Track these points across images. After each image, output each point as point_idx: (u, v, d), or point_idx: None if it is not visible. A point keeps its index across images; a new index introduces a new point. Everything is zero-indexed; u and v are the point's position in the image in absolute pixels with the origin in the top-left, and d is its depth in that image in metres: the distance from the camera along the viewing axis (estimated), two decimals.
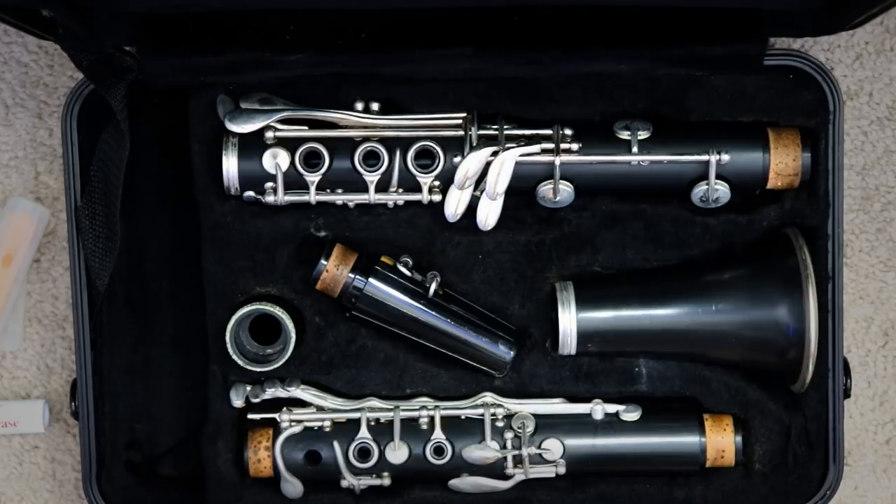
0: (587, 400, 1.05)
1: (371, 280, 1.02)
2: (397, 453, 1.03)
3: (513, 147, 1.00)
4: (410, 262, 1.04)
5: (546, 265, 1.05)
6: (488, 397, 1.05)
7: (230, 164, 1.01)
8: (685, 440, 1.05)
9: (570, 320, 1.02)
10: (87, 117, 1.03)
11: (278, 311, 1.02)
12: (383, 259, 1.03)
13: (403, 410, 1.04)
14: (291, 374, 1.05)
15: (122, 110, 1.00)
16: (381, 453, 1.04)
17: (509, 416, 1.04)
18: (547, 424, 1.04)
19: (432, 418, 1.04)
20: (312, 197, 1.01)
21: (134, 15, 0.98)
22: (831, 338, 1.04)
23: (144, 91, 1.02)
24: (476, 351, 1.04)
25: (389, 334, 1.04)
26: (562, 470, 1.04)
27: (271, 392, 1.04)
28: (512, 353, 1.04)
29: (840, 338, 1.04)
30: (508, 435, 1.04)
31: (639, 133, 1.01)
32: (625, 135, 1.01)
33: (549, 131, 1.01)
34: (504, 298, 1.05)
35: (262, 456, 1.04)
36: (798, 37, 1.06)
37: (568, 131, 1.01)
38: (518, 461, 1.03)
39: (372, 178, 1.01)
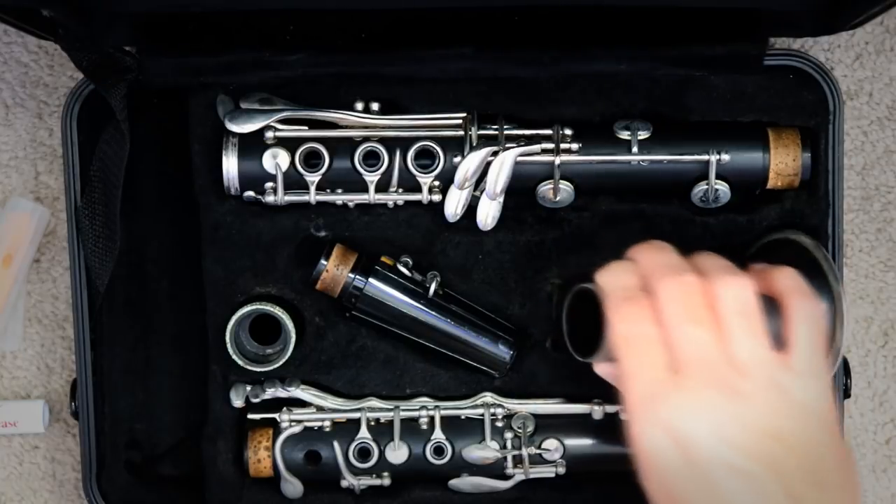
0: (587, 400, 1.05)
1: (371, 280, 1.02)
2: (397, 453, 1.03)
3: (513, 147, 1.00)
4: (410, 262, 1.03)
5: (546, 265, 1.05)
6: (488, 397, 1.05)
7: (230, 164, 1.01)
8: None
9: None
10: (87, 117, 1.03)
11: (278, 311, 1.02)
12: (383, 259, 1.03)
13: (403, 410, 1.04)
14: (291, 374, 1.05)
15: (122, 110, 1.00)
16: (381, 453, 1.04)
17: (509, 416, 1.04)
18: (547, 424, 1.04)
19: (432, 418, 1.04)
20: (312, 197, 1.01)
21: (134, 15, 0.98)
22: None
23: (144, 91, 1.02)
24: (476, 351, 1.04)
25: (389, 334, 1.04)
26: (562, 470, 1.04)
27: (271, 392, 1.04)
28: (512, 353, 1.04)
29: None
30: (508, 435, 1.04)
31: (639, 133, 1.01)
32: (625, 135, 1.01)
33: (548, 131, 1.01)
34: (504, 298, 1.05)
35: (262, 456, 1.04)
36: (798, 37, 1.06)
37: (568, 131, 1.01)
38: (518, 461, 1.03)
39: (372, 178, 1.01)
